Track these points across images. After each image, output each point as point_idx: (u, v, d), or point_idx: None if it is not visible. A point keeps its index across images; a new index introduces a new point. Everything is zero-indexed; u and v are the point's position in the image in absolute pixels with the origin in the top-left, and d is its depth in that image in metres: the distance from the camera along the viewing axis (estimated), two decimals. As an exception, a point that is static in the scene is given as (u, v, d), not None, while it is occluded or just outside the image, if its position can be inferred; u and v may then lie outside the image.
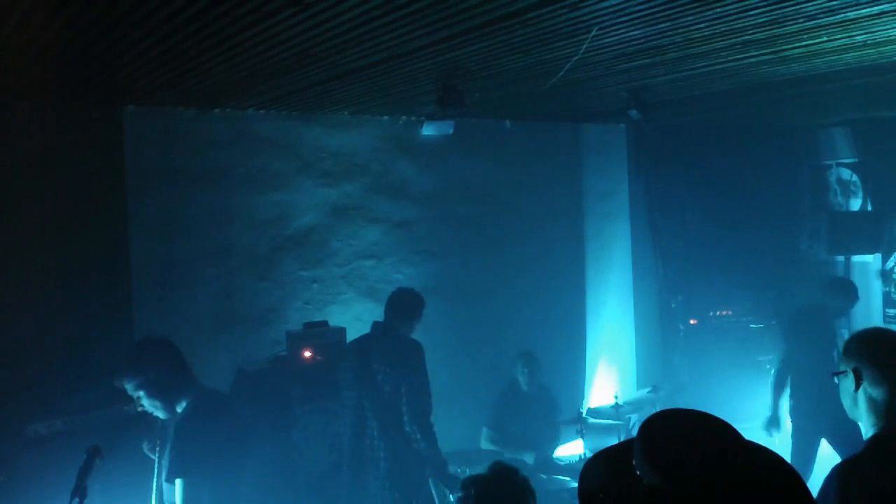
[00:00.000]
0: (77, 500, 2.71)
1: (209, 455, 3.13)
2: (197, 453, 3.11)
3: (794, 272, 7.31)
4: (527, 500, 2.67)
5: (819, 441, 5.66)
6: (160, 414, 3.32)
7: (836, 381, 2.46)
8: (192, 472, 3.09)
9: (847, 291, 5.80)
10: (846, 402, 2.42)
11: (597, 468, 1.40)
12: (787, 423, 5.85)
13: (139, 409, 3.35)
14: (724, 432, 1.30)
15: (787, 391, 5.85)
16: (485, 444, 5.85)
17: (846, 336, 6.78)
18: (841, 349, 5.92)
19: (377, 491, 4.46)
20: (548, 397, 6.07)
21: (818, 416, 5.58)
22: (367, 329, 4.81)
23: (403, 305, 4.70)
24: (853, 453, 2.27)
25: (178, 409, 3.32)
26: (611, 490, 1.33)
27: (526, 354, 5.95)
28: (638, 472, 1.28)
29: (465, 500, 2.71)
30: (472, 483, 2.77)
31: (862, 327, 6.02)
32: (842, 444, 5.61)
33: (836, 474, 2.20)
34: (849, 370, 2.38)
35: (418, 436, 4.42)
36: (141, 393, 3.29)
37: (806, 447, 5.64)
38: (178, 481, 3.09)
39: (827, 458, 5.66)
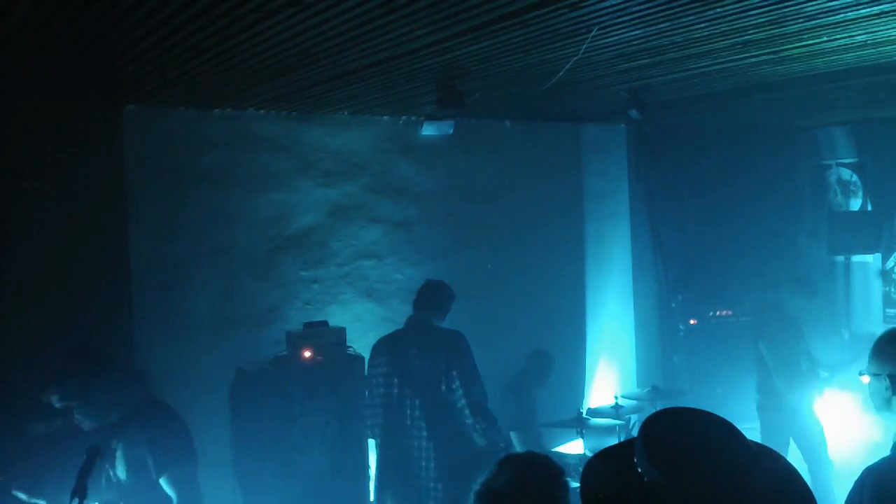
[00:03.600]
0: (77, 500, 2.71)
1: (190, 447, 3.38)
2: (183, 444, 3.37)
3: (793, 272, 7.31)
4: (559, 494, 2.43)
5: (789, 439, 5.67)
6: (87, 425, 3.38)
7: (864, 381, 2.43)
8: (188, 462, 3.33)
9: (806, 288, 5.80)
10: (876, 402, 2.40)
11: (598, 467, 1.40)
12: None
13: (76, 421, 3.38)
14: (726, 431, 1.30)
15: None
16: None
17: (846, 336, 6.79)
18: (808, 345, 5.88)
19: (425, 489, 4.39)
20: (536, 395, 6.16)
21: (787, 414, 5.60)
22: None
23: (437, 301, 4.64)
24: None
25: (115, 416, 3.37)
26: (612, 489, 1.33)
27: (547, 354, 6.03)
28: (639, 471, 1.28)
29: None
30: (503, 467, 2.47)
31: (862, 327, 6.03)
32: (809, 445, 5.62)
33: (872, 473, 2.18)
34: (884, 374, 2.34)
35: (482, 425, 4.35)
36: (74, 405, 3.36)
37: (776, 446, 5.64)
38: (177, 473, 3.26)
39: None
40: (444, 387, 4.40)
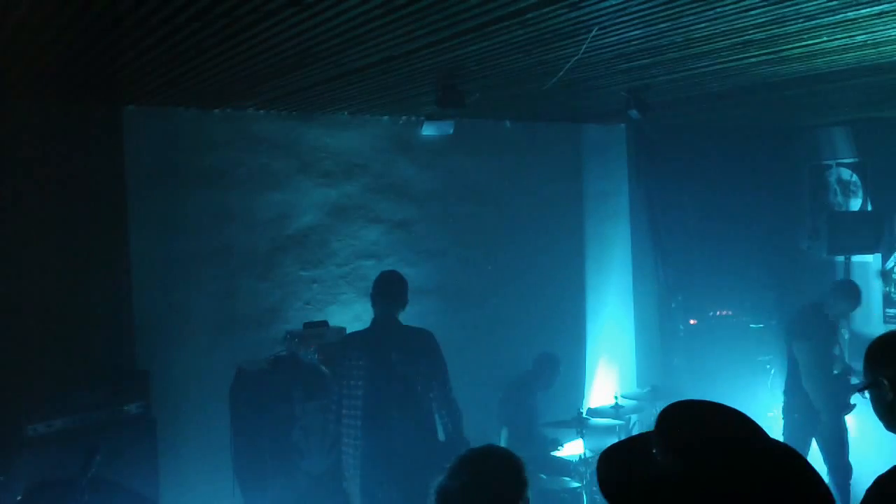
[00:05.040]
0: (77, 498, 2.72)
1: None
2: None
3: (794, 272, 7.31)
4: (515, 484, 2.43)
5: (811, 441, 5.65)
6: None
7: (863, 394, 2.35)
8: None
9: (851, 294, 5.76)
10: (881, 411, 2.31)
11: (614, 456, 1.40)
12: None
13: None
14: (742, 421, 1.30)
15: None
16: (505, 444, 5.87)
17: (846, 336, 6.76)
18: (843, 350, 5.86)
19: (397, 484, 4.41)
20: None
21: (814, 416, 5.57)
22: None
23: (402, 296, 4.60)
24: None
25: None
26: (629, 476, 1.33)
27: (554, 358, 6.05)
28: (657, 458, 1.28)
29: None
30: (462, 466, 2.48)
31: (862, 327, 6.03)
32: (830, 447, 5.60)
33: (880, 485, 2.14)
34: (883, 380, 2.26)
35: (453, 421, 4.48)
36: None
37: (797, 447, 5.62)
38: None
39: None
40: (420, 386, 4.44)
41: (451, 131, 5.14)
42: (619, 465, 1.37)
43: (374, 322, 4.61)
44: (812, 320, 5.66)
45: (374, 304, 4.60)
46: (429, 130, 5.14)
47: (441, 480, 2.46)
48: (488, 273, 6.44)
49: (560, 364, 6.18)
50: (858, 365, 5.78)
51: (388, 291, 4.59)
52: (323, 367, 4.82)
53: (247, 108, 5.42)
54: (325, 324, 5.43)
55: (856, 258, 7.11)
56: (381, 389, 4.42)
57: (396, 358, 4.44)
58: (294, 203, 5.73)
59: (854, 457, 5.68)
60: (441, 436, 4.58)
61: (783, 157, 7.54)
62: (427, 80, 4.47)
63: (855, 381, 5.70)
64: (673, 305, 7.00)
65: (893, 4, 3.16)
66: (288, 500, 4.92)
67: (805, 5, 3.13)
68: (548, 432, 6.05)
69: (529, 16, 3.14)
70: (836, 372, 5.71)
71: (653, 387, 6.09)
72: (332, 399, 4.57)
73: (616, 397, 5.93)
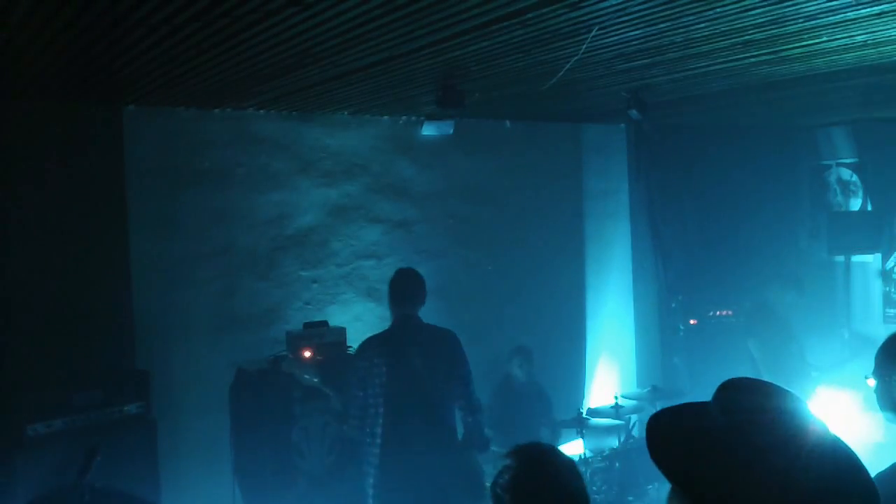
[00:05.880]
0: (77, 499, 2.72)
1: None
2: None
3: (793, 272, 7.31)
4: (574, 480, 2.45)
5: None
6: None
7: (870, 384, 2.42)
8: None
9: (791, 284, 5.80)
10: (887, 404, 2.39)
11: (665, 419, 1.41)
12: None
13: None
14: (799, 399, 1.32)
15: None
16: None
17: (846, 336, 6.77)
18: (800, 345, 5.82)
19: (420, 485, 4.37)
20: (541, 393, 6.14)
21: None
22: (368, 329, 4.77)
23: (421, 294, 4.55)
24: None
25: None
26: (673, 428, 1.34)
27: (523, 350, 6.02)
28: (712, 414, 1.29)
29: (506, 482, 2.43)
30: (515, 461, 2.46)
31: (862, 327, 6.03)
32: None
33: (885, 479, 2.16)
34: (893, 377, 2.34)
35: (478, 421, 4.48)
36: None
37: None
38: None
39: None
40: (443, 386, 4.40)
41: (451, 131, 5.14)
42: (666, 422, 1.38)
43: (393, 324, 4.54)
44: (764, 318, 5.69)
45: (392, 305, 4.53)
46: (429, 130, 5.14)
47: (511, 471, 2.43)
48: (488, 273, 6.44)
49: (527, 352, 6.11)
50: (864, 362, 5.79)
51: (409, 290, 4.53)
52: (326, 389, 4.74)
53: (247, 108, 5.42)
54: (325, 324, 5.43)
55: (856, 258, 7.12)
56: (402, 392, 4.37)
57: (417, 359, 4.40)
58: (294, 203, 5.73)
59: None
60: (462, 433, 4.56)
61: (783, 157, 7.54)
62: (427, 80, 4.47)
63: (814, 373, 5.73)
64: (673, 305, 6.99)
65: (893, 4, 3.16)
66: (287, 500, 4.91)
67: (805, 5, 3.13)
68: (547, 433, 6.05)
69: (529, 16, 3.14)
70: (794, 368, 5.72)
71: (653, 387, 6.08)
72: (354, 404, 4.44)
73: (616, 397, 5.92)
